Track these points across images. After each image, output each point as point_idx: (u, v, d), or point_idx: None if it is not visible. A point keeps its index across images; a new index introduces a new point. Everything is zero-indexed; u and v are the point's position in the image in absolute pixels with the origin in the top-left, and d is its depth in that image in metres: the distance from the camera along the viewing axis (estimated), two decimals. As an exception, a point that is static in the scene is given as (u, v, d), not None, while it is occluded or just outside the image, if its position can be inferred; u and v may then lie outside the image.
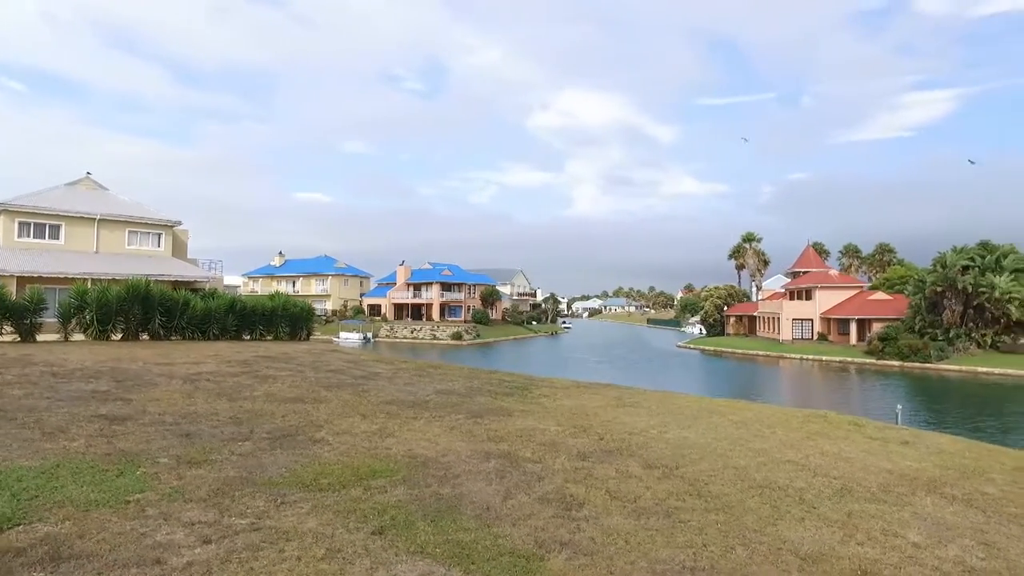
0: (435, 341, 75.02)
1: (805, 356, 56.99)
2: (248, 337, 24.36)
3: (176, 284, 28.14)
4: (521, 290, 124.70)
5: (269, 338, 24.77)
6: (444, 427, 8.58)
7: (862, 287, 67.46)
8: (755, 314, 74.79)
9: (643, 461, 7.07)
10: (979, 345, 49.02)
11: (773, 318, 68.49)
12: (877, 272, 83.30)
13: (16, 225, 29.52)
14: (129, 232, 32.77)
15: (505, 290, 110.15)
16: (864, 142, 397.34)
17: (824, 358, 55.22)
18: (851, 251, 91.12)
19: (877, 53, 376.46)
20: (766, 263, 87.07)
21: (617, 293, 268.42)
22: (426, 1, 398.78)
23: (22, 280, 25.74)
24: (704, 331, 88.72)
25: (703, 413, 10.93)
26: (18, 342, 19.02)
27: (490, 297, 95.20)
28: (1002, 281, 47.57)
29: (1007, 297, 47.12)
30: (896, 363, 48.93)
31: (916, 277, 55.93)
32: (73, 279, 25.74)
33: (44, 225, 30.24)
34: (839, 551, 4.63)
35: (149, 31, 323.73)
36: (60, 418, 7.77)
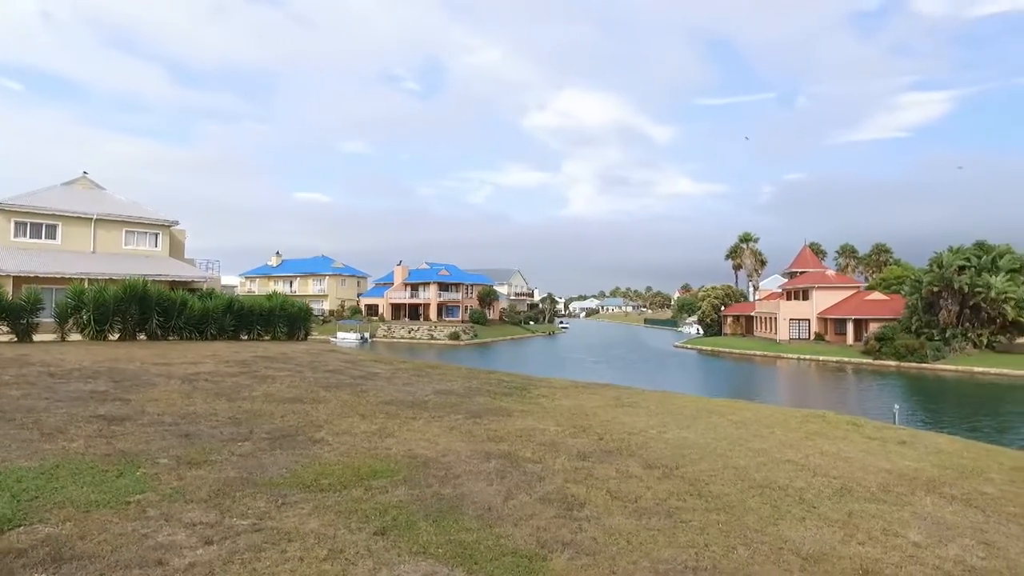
0: (432, 341, 74.98)
1: (802, 356, 57.12)
2: (246, 337, 24.31)
3: (173, 284, 28.08)
4: (518, 290, 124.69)
5: (267, 338, 24.73)
6: (444, 427, 8.57)
7: (859, 287, 67.63)
8: (752, 314, 74.94)
9: (643, 461, 7.08)
10: (975, 345, 49.20)
11: (770, 318, 68.63)
12: (874, 272, 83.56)
13: (12, 225, 29.42)
14: (126, 232, 32.69)
15: (502, 290, 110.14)
16: (861, 142, 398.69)
17: (821, 358, 55.36)
18: (848, 251, 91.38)
19: (874, 54, 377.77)
20: (763, 263, 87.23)
21: (614, 293, 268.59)
22: (425, 1, 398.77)
23: (18, 280, 25.66)
24: (701, 331, 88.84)
25: (702, 413, 10.95)
26: (15, 342, 18.96)
27: (487, 297, 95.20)
28: (998, 281, 47.74)
29: (1003, 297, 47.29)
30: (893, 363, 49.08)
31: (913, 277, 56.10)
32: (70, 279, 25.66)
33: (41, 225, 30.15)
34: (840, 551, 4.64)
35: (148, 31, 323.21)
36: (59, 419, 7.74)
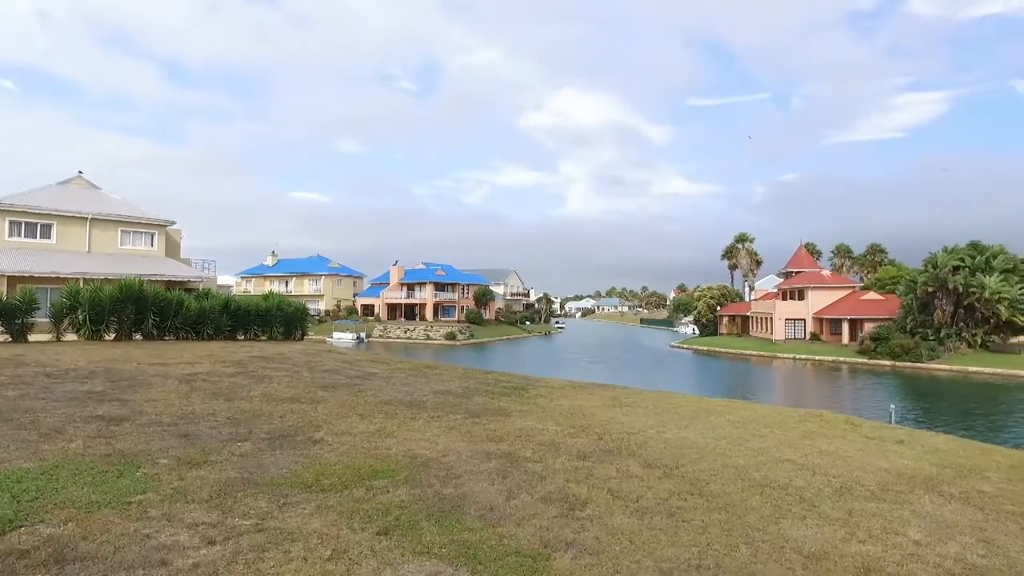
0: (429, 341, 74.91)
1: (798, 356, 57.31)
2: (242, 337, 24.24)
3: (169, 284, 27.99)
4: (514, 290, 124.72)
5: (263, 338, 24.66)
6: (443, 427, 8.57)
7: (854, 287, 67.89)
8: (748, 314, 75.14)
9: (643, 461, 7.09)
10: (969, 345, 49.47)
11: (766, 318, 68.82)
12: (869, 272, 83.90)
13: (7, 224, 29.28)
14: (122, 232, 32.56)
15: (498, 290, 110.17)
16: (856, 143, 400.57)
17: (816, 358, 55.55)
18: (843, 251, 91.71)
19: (869, 54, 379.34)
20: (759, 263, 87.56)
21: (610, 293, 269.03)
22: (420, 0, 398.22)
23: (13, 280, 25.53)
24: (697, 331, 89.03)
25: (700, 413, 10.97)
26: (9, 342, 18.86)
27: (484, 297, 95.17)
28: (992, 281, 48.00)
29: (997, 297, 47.56)
30: (888, 363, 49.29)
31: (907, 277, 56.33)
32: (65, 279, 25.53)
33: (35, 224, 30.01)
34: (842, 549, 4.66)
35: (143, 30, 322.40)
36: (56, 419, 7.70)
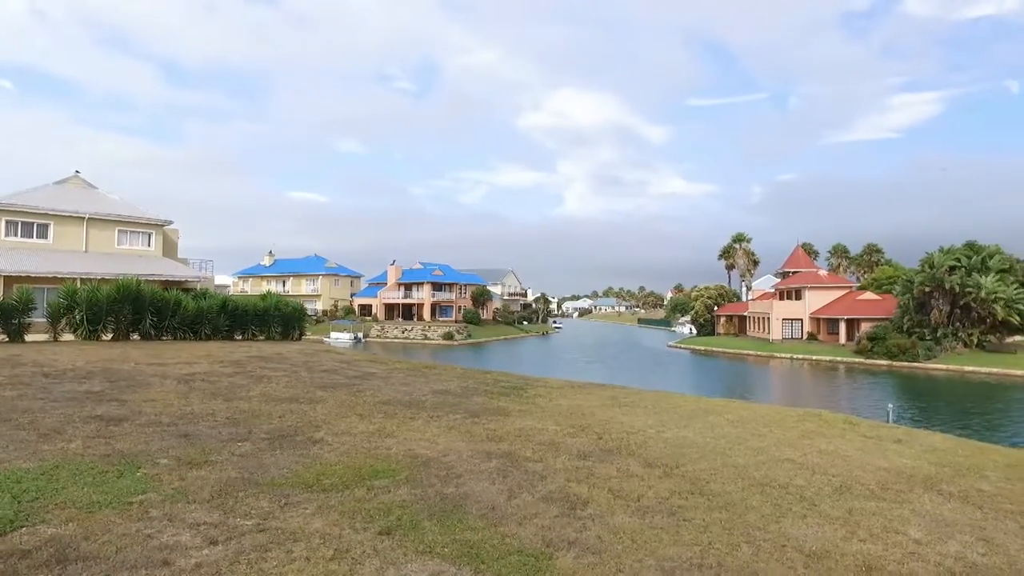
0: (426, 341, 74.87)
1: (795, 355, 57.42)
2: (240, 337, 24.20)
3: (167, 284, 27.92)
4: (512, 290, 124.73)
5: (261, 338, 24.62)
6: (443, 427, 8.57)
7: (851, 287, 68.08)
8: (745, 314, 75.27)
9: (643, 460, 7.10)
10: (966, 344, 49.63)
11: (763, 318, 68.95)
12: (865, 272, 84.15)
13: (3, 224, 29.17)
14: (119, 231, 32.46)
15: (496, 290, 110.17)
16: (853, 143, 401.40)
17: (814, 357, 55.67)
18: (840, 251, 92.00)
19: (865, 55, 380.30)
20: (756, 263, 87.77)
21: (607, 293, 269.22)
22: (419, 1, 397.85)
23: (10, 280, 25.44)
24: (694, 331, 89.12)
25: (699, 412, 10.99)
26: (6, 342, 18.80)
27: (481, 297, 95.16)
28: (988, 281, 48.17)
29: (993, 297, 47.72)
30: (884, 362, 49.43)
31: (904, 277, 56.51)
32: (62, 279, 25.46)
33: (32, 224, 29.90)
34: (843, 548, 4.68)
35: (141, 30, 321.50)
36: (55, 419, 7.68)
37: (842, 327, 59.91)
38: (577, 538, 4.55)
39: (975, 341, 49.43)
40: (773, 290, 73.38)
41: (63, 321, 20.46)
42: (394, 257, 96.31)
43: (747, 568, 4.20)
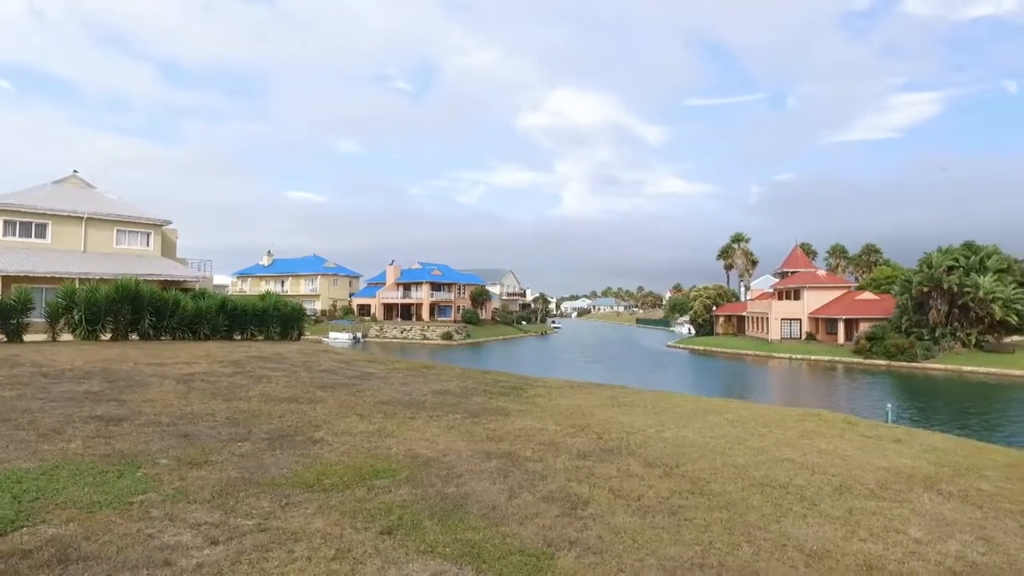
0: (425, 341, 74.83)
1: (793, 355, 57.45)
2: (239, 337, 24.18)
3: (166, 284, 27.89)
4: (511, 290, 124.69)
5: (260, 338, 24.60)
6: (442, 427, 8.57)
7: (849, 287, 68.13)
8: (744, 314, 75.32)
9: (643, 460, 7.11)
10: (964, 344, 49.68)
11: (762, 318, 68.99)
12: (864, 272, 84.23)
13: (1, 224, 29.10)
14: (118, 231, 32.40)
15: (495, 290, 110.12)
16: (852, 143, 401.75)
17: (812, 357, 55.70)
18: (838, 251, 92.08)
19: (864, 55, 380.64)
20: (754, 263, 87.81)
21: (606, 293, 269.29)
22: (418, 1, 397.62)
23: (8, 279, 25.39)
24: (693, 331, 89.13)
25: (699, 412, 11.00)
26: (4, 342, 18.77)
27: (480, 297, 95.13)
28: (986, 281, 48.24)
29: (991, 297, 47.78)
30: (883, 362, 49.47)
31: (902, 277, 56.55)
32: (61, 279, 25.42)
33: (30, 224, 29.83)
34: (843, 547, 4.69)
35: (139, 30, 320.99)
36: (55, 419, 7.67)
37: (840, 327, 59.96)
38: (578, 538, 4.56)
39: (973, 341, 49.49)
40: (772, 290, 73.44)
41: (62, 321, 20.42)
42: (393, 257, 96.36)
43: (748, 568, 4.21)
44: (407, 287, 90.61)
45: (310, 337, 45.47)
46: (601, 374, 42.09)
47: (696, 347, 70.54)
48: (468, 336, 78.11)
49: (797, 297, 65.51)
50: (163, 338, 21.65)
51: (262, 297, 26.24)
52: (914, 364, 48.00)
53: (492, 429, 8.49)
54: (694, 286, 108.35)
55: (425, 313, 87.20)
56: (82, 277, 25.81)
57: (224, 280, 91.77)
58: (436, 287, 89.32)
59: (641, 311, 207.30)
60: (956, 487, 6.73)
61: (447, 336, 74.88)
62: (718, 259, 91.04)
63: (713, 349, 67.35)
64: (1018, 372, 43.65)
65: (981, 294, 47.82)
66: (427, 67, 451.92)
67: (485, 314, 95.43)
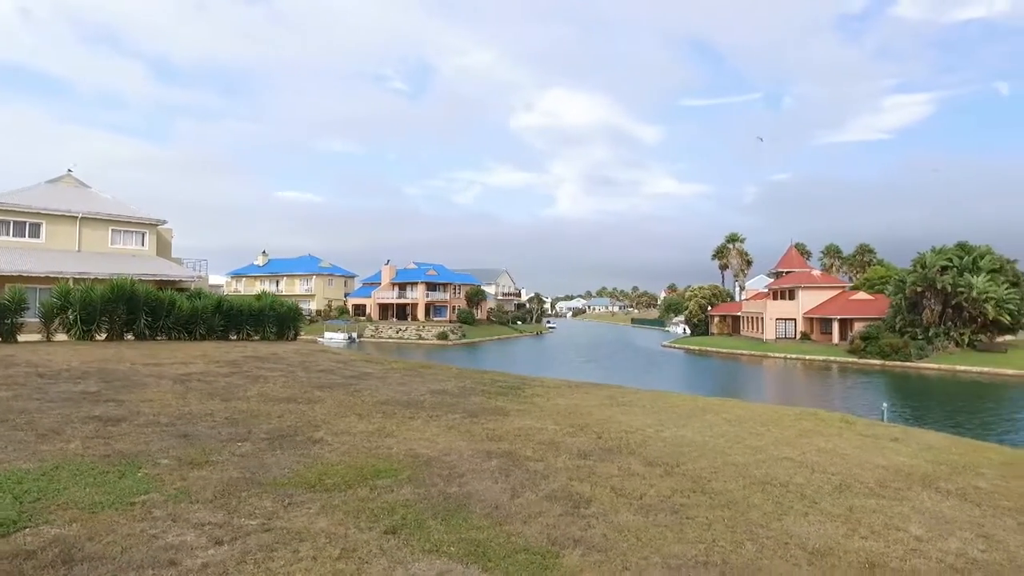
0: (421, 341, 74.78)
1: (788, 355, 57.68)
2: (235, 337, 24.10)
3: (161, 283, 27.75)
4: (506, 290, 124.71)
5: (256, 338, 24.53)
6: (442, 427, 8.57)
7: (844, 287, 68.43)
8: (739, 314, 75.53)
9: (643, 459, 7.13)
10: (957, 344, 49.99)
11: (757, 318, 69.23)
12: (858, 272, 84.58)
13: (-5, 223, 28.90)
14: (112, 231, 32.22)
15: (490, 290, 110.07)
16: (846, 143, 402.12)
17: (807, 357, 55.94)
18: (833, 252, 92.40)
19: (858, 57, 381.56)
20: (749, 263, 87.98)
21: (601, 293, 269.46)
22: (412, 1, 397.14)
23: (2, 279, 25.21)
24: (688, 331, 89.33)
25: (697, 412, 11.04)
26: (-1, 343, 18.65)
27: (475, 297, 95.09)
28: (979, 281, 48.55)
29: (984, 297, 48.10)
30: (877, 362, 49.73)
31: (896, 277, 56.85)
32: (55, 278, 25.27)
33: (24, 223, 29.62)
34: (845, 545, 4.71)
35: (130, 28, 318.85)
36: (53, 420, 7.63)
37: (835, 327, 60.23)
38: (582, 536, 4.57)
39: (966, 340, 49.80)
40: (767, 290, 73.70)
41: (56, 321, 20.31)
42: (388, 257, 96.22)
43: (752, 565, 4.23)
44: (403, 287, 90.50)
45: (305, 337, 45.28)
46: (597, 374, 42.16)
47: (691, 347, 70.73)
48: (464, 336, 78.09)
49: (792, 297, 65.77)
50: (159, 338, 21.56)
51: (258, 297, 26.16)
52: (908, 364, 48.27)
53: (492, 429, 8.50)
54: (689, 286, 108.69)
55: (421, 313, 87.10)
56: (77, 277, 25.66)
57: (219, 280, 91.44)
58: (432, 287, 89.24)
59: (636, 311, 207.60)
60: (954, 485, 6.78)
61: (443, 336, 74.84)
62: (713, 259, 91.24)
63: (708, 349, 67.54)
64: (1011, 371, 43.97)
65: (974, 294, 48.14)
66: (423, 67, 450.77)
67: (480, 314, 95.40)
